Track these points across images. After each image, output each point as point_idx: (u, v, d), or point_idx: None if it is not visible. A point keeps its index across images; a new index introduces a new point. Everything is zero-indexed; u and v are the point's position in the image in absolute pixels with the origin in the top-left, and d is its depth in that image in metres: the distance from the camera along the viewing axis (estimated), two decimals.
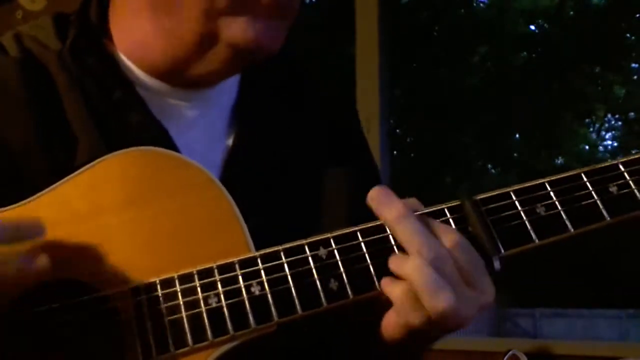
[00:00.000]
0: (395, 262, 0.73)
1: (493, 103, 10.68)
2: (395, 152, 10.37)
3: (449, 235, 0.73)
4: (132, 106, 0.89)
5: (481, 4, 11.19)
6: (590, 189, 0.76)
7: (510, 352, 2.67)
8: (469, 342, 3.07)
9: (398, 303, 0.72)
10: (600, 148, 11.69)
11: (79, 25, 0.92)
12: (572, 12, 10.80)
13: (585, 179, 0.77)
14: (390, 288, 0.73)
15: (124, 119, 0.88)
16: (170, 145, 0.87)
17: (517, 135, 11.44)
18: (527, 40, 10.87)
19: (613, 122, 11.60)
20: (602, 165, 0.78)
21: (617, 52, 10.34)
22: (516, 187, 0.77)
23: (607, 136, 11.70)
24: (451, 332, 0.75)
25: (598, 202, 0.76)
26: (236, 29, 0.84)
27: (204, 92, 0.93)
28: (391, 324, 0.75)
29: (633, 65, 10.80)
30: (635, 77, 10.90)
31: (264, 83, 0.99)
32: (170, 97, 0.92)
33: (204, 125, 0.93)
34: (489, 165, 11.71)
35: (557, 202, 0.76)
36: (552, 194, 0.76)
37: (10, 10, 3.71)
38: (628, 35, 10.40)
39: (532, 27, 11.19)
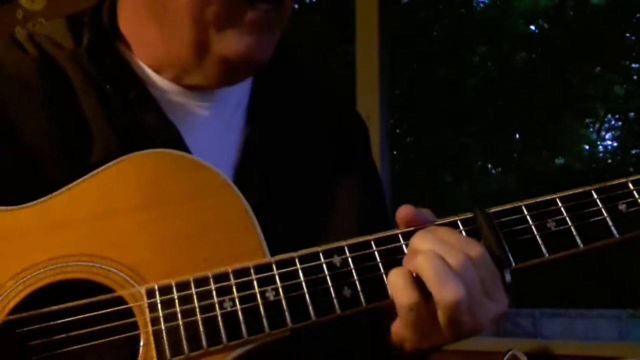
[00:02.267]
0: (406, 257, 0.74)
1: (493, 103, 10.68)
2: (395, 152, 10.36)
3: (473, 246, 0.74)
4: (146, 106, 0.90)
5: (481, 4, 11.19)
6: (600, 205, 0.78)
7: (510, 352, 2.67)
8: (469, 342, 3.07)
9: (391, 285, 0.73)
10: (600, 148, 11.69)
11: (93, 27, 0.93)
12: (572, 12, 10.80)
13: (595, 196, 0.79)
14: (390, 276, 0.73)
15: (138, 119, 0.89)
16: (181, 145, 0.88)
17: (517, 135, 11.44)
18: (527, 40, 10.87)
19: (613, 122, 11.60)
20: (612, 183, 0.80)
21: (617, 52, 10.34)
22: (528, 201, 0.79)
23: (607, 136, 11.70)
24: (465, 338, 0.76)
25: (607, 219, 0.78)
26: (226, 44, 0.86)
27: (214, 92, 0.94)
28: (396, 323, 0.76)
29: (633, 65, 10.80)
30: (635, 77, 10.89)
31: (276, 84, 1.00)
32: (181, 96, 0.93)
33: (215, 124, 0.94)
34: (489, 165, 11.70)
35: (567, 218, 0.78)
36: (562, 209, 0.78)
37: (10, 10, 3.71)
38: (628, 35, 10.40)
39: (532, 27, 11.19)
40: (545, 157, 11.07)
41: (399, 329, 0.75)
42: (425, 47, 10.51)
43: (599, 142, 11.63)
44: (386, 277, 0.74)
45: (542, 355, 2.75)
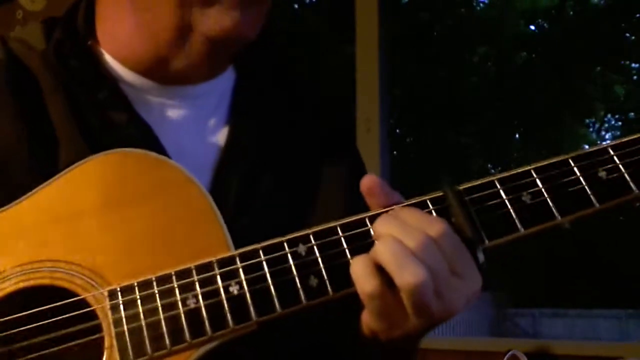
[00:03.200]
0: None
1: (493, 103, 10.69)
2: (395, 152, 10.37)
3: (434, 224, 0.71)
4: (117, 106, 0.88)
5: (481, 4, 11.20)
6: (578, 174, 0.73)
7: (510, 352, 2.67)
8: (469, 342, 3.07)
9: (353, 274, 0.70)
10: None
11: (65, 27, 0.93)
12: (572, 12, 10.81)
13: (572, 165, 0.74)
14: (352, 265, 0.70)
15: (108, 120, 0.87)
16: (156, 145, 0.86)
17: (517, 135, 11.45)
18: (527, 40, 10.88)
19: (613, 122, 11.61)
20: (590, 149, 0.75)
21: (617, 52, 10.35)
22: (501, 175, 0.74)
23: (607, 136, 11.71)
24: (441, 323, 0.72)
25: (586, 187, 0.72)
26: (210, 21, 0.85)
27: (191, 90, 0.93)
28: (364, 313, 0.72)
29: (633, 65, 10.81)
30: (635, 77, 10.90)
31: (259, 81, 1.00)
32: (158, 95, 0.91)
33: (193, 124, 0.93)
34: (489, 165, 11.71)
35: (543, 190, 0.73)
36: (538, 181, 0.73)
37: (10, 10, 3.72)
38: (628, 35, 10.41)
39: (532, 27, 11.20)
40: (545, 157, 11.06)
41: (367, 318, 0.72)
42: (425, 47, 10.52)
43: (599, 142, 11.63)
44: None
45: (542, 355, 2.74)
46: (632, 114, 11.04)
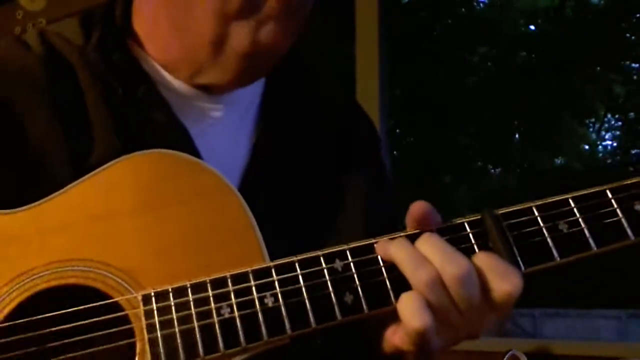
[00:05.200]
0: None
1: (493, 103, 10.68)
2: (395, 152, 10.36)
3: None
4: (155, 105, 0.88)
5: (481, 4, 11.18)
6: (615, 206, 0.74)
7: (510, 352, 2.66)
8: (469, 342, 3.07)
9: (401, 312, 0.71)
10: (600, 148, 11.69)
11: (105, 24, 0.93)
12: (572, 12, 10.80)
13: (610, 196, 0.74)
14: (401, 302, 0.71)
15: (145, 118, 0.87)
16: (191, 147, 0.87)
17: (517, 135, 11.43)
18: (527, 40, 10.87)
19: (613, 122, 11.60)
20: (628, 181, 0.75)
21: (617, 52, 10.34)
22: (538, 202, 0.75)
23: (607, 136, 11.70)
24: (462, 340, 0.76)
25: (623, 220, 0.73)
26: (243, 36, 0.84)
27: (227, 95, 0.93)
28: (398, 333, 0.74)
29: (633, 65, 10.80)
30: (635, 77, 10.89)
31: (287, 85, 1.00)
32: (193, 98, 0.92)
33: (226, 127, 0.93)
34: (489, 165, 11.70)
35: (580, 219, 0.73)
36: (575, 210, 0.74)
37: (10, 10, 3.71)
38: (628, 35, 10.40)
39: (532, 27, 11.19)
40: (545, 157, 11.06)
41: (399, 342, 0.73)
42: (425, 47, 10.51)
43: (598, 142, 11.63)
44: (389, 282, 0.72)
45: (542, 355, 2.74)
46: (632, 114, 11.03)
